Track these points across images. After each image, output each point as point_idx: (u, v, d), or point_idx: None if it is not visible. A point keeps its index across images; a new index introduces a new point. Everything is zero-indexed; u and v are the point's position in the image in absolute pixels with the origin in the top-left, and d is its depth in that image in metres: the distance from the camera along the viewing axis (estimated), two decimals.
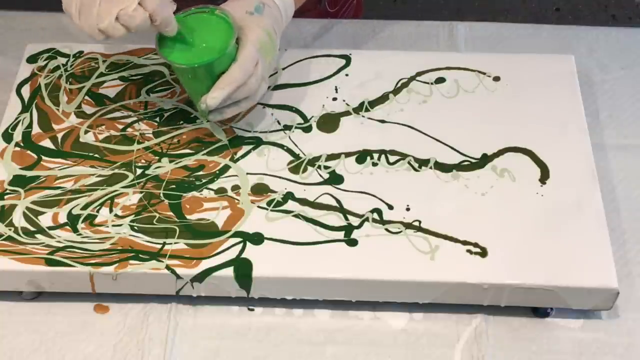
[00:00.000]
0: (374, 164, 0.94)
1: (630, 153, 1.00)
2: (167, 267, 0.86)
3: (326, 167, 0.94)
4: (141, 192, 0.91)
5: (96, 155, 0.95)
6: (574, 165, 0.93)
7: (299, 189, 0.92)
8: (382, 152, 0.95)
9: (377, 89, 1.01)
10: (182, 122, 0.98)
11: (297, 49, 1.05)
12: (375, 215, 0.89)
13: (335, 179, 0.92)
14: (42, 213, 0.89)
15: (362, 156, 0.94)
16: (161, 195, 0.91)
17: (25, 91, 1.00)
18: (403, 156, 0.94)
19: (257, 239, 0.87)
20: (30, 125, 0.97)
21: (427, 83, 1.01)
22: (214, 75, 0.88)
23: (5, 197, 0.91)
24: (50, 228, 0.88)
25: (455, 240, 0.87)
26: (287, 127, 0.97)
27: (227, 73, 0.88)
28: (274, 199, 0.91)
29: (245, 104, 0.91)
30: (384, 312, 0.88)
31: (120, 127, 0.97)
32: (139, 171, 0.93)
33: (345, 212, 0.90)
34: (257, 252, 0.86)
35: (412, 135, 0.96)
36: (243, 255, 0.86)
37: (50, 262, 0.86)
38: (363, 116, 0.98)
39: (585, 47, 1.11)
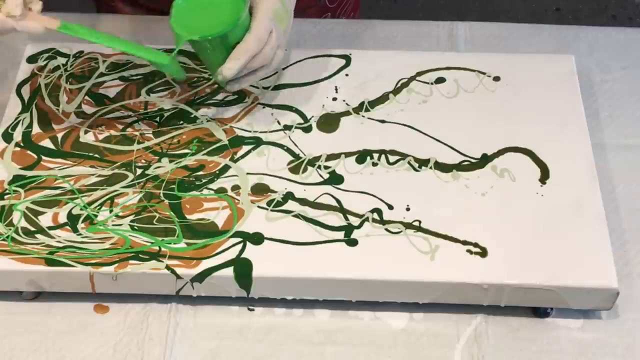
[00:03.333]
0: (374, 164, 0.94)
1: (630, 153, 1.00)
2: (167, 267, 0.85)
3: (326, 167, 0.93)
4: (141, 192, 0.91)
5: (96, 155, 0.95)
6: (574, 165, 0.93)
7: (299, 189, 0.92)
8: (382, 152, 0.95)
9: (377, 89, 1.01)
10: (182, 122, 0.98)
11: (297, 49, 1.05)
12: (375, 215, 0.89)
13: (335, 179, 0.92)
14: (42, 213, 0.90)
15: (362, 156, 0.94)
16: (161, 195, 0.91)
17: (25, 91, 1.00)
18: (403, 156, 0.94)
19: (257, 239, 0.87)
20: (30, 125, 0.97)
21: (427, 83, 1.01)
22: (229, 46, 0.88)
23: (5, 197, 0.91)
24: (50, 228, 0.88)
25: (455, 240, 0.87)
26: (287, 127, 0.97)
27: (242, 43, 0.88)
28: (274, 199, 0.91)
29: (262, 73, 0.92)
30: (384, 312, 0.88)
31: (120, 127, 0.97)
32: (139, 171, 0.93)
33: (345, 212, 0.89)
34: (257, 252, 0.86)
35: (412, 135, 0.96)
36: (243, 255, 0.86)
37: (50, 262, 0.86)
38: (363, 116, 0.98)
39: (585, 47, 1.11)
